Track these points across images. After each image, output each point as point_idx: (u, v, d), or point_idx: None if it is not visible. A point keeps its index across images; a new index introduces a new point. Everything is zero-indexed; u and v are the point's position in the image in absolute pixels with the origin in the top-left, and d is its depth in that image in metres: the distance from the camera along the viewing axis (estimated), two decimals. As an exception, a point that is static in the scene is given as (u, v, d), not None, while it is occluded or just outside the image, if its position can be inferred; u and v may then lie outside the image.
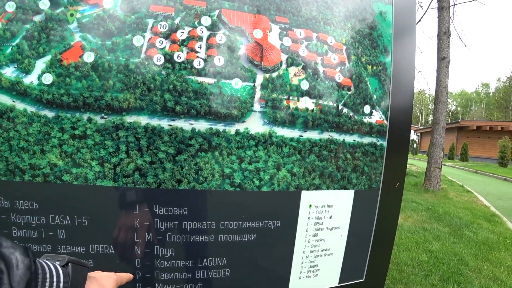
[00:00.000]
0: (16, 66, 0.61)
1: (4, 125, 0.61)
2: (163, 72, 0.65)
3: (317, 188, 0.79)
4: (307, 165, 0.77)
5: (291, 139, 0.74)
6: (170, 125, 0.66)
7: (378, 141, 0.88)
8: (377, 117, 0.88)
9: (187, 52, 0.67)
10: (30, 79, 0.61)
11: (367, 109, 0.85)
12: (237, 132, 0.70)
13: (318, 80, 0.78)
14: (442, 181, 6.69)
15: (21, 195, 0.63)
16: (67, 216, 0.65)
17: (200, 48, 0.68)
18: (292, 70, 0.75)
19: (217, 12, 0.70)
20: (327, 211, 0.82)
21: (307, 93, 0.76)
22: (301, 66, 0.76)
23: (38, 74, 0.62)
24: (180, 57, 0.66)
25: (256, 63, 0.71)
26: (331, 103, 0.79)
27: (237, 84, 0.70)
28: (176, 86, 0.66)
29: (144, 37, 0.65)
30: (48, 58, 0.62)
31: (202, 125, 0.67)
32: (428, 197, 5.48)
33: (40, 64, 0.62)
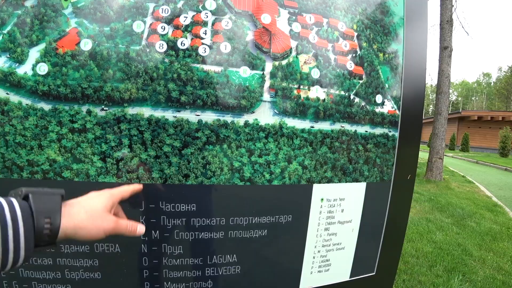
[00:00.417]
0: (8, 56, 0.57)
1: (-2, 120, 0.57)
2: (166, 60, 0.61)
3: (329, 181, 0.76)
4: (318, 157, 0.73)
5: (302, 130, 0.71)
6: (175, 116, 0.62)
7: (390, 131, 0.84)
8: (389, 107, 0.84)
9: (191, 39, 0.62)
10: (24, 70, 0.57)
11: (379, 98, 0.82)
12: (246, 124, 0.66)
13: (329, 68, 0.74)
14: (444, 172, 6.69)
15: (20, 193, 0.60)
16: (69, 214, 0.62)
17: (205, 34, 0.63)
18: (302, 57, 0.70)
19: (222, -5, 0.65)
20: (339, 204, 0.79)
21: (318, 82, 0.72)
22: (311, 54, 0.72)
23: (32, 64, 0.58)
24: (184, 44, 0.62)
25: (265, 50, 0.67)
26: (342, 93, 0.75)
27: (245, 72, 0.66)
28: (181, 75, 0.62)
29: (145, 22, 0.61)
30: (42, 46, 0.58)
31: (209, 117, 0.64)
32: (430, 188, 5.48)
33: (34, 53, 0.58)
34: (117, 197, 0.51)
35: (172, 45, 0.61)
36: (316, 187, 0.74)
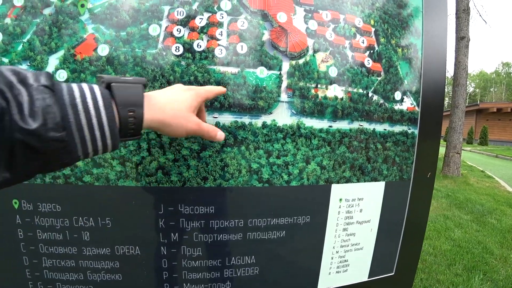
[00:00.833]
0: (29, 64, 0.58)
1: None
2: (183, 63, 0.61)
3: (348, 181, 0.74)
4: (337, 157, 0.72)
5: (320, 130, 0.69)
6: (192, 119, 0.62)
7: (410, 129, 0.82)
8: (408, 103, 0.81)
9: (208, 40, 0.62)
10: (45, 77, 0.58)
11: (398, 95, 0.79)
12: (264, 125, 0.65)
13: (347, 66, 0.72)
14: (462, 167, 6.49)
15: (44, 197, 0.62)
16: (91, 218, 0.63)
17: (221, 35, 0.62)
18: (320, 55, 0.69)
19: (236, -5, 0.64)
20: (358, 204, 0.77)
21: (336, 81, 0.70)
22: (328, 51, 0.70)
23: (52, 71, 0.59)
24: (200, 46, 0.62)
25: (282, 50, 0.66)
26: (360, 90, 0.73)
27: (262, 73, 0.65)
28: (198, 77, 0.61)
29: (160, 25, 0.61)
30: (61, 53, 0.59)
31: (226, 118, 0.63)
32: (447, 184, 5.33)
33: (53, 60, 0.59)
34: (202, 98, 0.50)
35: (188, 48, 0.61)
36: (335, 187, 0.73)
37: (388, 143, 0.79)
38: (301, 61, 0.67)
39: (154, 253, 0.65)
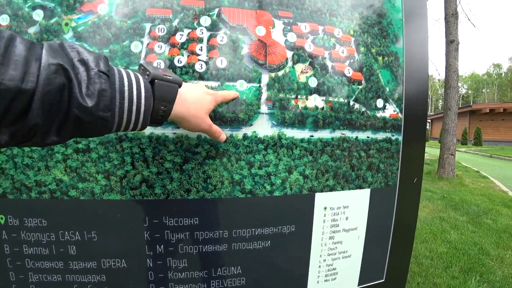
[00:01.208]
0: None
1: (7, 143, 0.60)
2: (164, 78, 0.62)
3: (332, 189, 0.75)
4: (319, 166, 0.73)
5: (302, 140, 0.71)
6: (174, 133, 0.63)
7: (393, 136, 0.83)
8: (391, 110, 0.83)
9: (188, 56, 0.64)
10: (29, 95, 0.59)
11: (380, 103, 0.81)
12: (245, 137, 0.67)
13: (327, 76, 0.74)
14: (457, 168, 6.54)
15: (29, 212, 0.62)
16: (77, 232, 0.63)
17: (201, 50, 0.64)
18: (299, 67, 0.71)
19: (216, 10, 0.66)
20: (343, 212, 0.78)
21: (316, 91, 0.72)
22: (308, 62, 0.72)
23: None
24: (181, 61, 0.63)
25: (261, 62, 0.67)
26: (341, 99, 0.75)
27: (242, 86, 0.66)
28: (179, 92, 0.63)
29: (142, 42, 0.62)
30: (45, 71, 0.60)
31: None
32: (442, 185, 5.35)
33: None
34: (217, 102, 0.60)
35: (169, 63, 0.63)
36: (319, 196, 0.74)
37: (371, 151, 0.80)
38: (280, 73, 0.69)
39: (140, 265, 0.66)
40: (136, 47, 0.62)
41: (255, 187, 0.68)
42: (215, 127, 0.58)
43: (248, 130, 0.67)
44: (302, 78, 0.71)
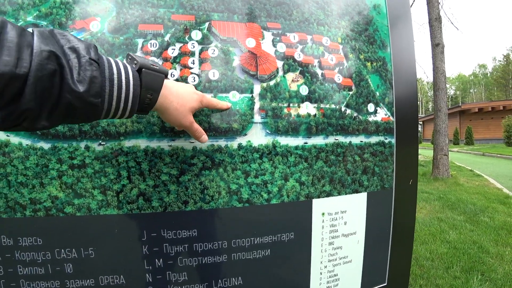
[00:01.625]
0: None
1: (0, 161, 0.59)
2: (158, 92, 0.63)
3: (328, 194, 0.76)
4: (315, 172, 0.74)
5: (296, 147, 0.72)
6: (170, 145, 0.64)
7: (386, 139, 0.85)
8: (382, 114, 0.85)
9: (181, 69, 0.65)
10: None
11: (371, 107, 0.83)
12: (240, 146, 0.67)
13: (318, 84, 0.75)
14: (451, 168, 6.61)
15: (24, 231, 0.61)
16: (73, 249, 0.62)
17: (193, 63, 0.65)
18: (290, 76, 0.72)
19: (206, 24, 0.68)
20: (341, 217, 0.78)
21: (308, 98, 0.74)
22: (298, 71, 0.73)
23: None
24: (174, 75, 0.64)
25: (252, 73, 0.69)
26: (333, 106, 0.77)
27: (234, 96, 0.67)
28: (173, 105, 0.63)
29: (135, 58, 0.63)
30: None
31: (203, 143, 0.65)
32: (438, 186, 5.40)
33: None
34: (203, 104, 0.59)
35: (162, 77, 0.64)
36: (316, 202, 0.74)
37: (366, 155, 0.82)
38: (272, 83, 0.70)
39: (139, 281, 0.65)
40: (129, 62, 0.63)
41: (252, 196, 0.68)
42: (197, 126, 0.57)
43: (242, 140, 0.67)
44: (294, 87, 0.72)
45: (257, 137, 0.68)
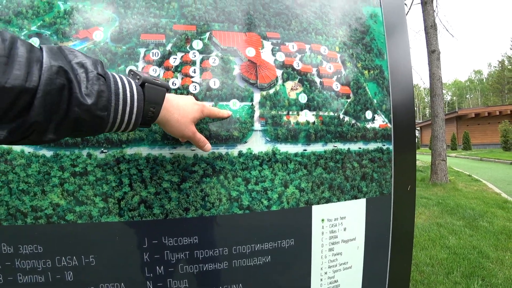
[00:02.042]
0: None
1: (2, 169, 0.60)
2: (160, 101, 0.64)
3: (328, 201, 0.77)
4: (314, 179, 0.75)
5: (295, 155, 0.73)
6: (171, 153, 0.64)
7: (384, 145, 0.86)
8: (380, 121, 0.86)
9: (182, 78, 0.66)
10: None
11: (368, 114, 0.84)
12: (240, 154, 0.68)
13: (316, 92, 0.77)
14: (449, 173, 6.63)
15: (25, 239, 0.61)
16: (74, 257, 0.62)
17: (195, 72, 0.67)
18: (289, 84, 0.74)
19: (207, 34, 0.69)
20: (341, 223, 0.79)
21: (307, 106, 0.75)
22: (297, 80, 0.75)
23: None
24: (175, 84, 0.66)
25: (252, 82, 0.70)
26: (332, 113, 0.78)
27: (235, 105, 0.69)
28: (174, 113, 0.64)
29: (137, 67, 0.65)
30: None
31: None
32: (437, 191, 5.40)
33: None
34: (205, 114, 0.61)
35: (164, 86, 0.65)
36: (316, 208, 0.75)
37: (364, 161, 0.83)
38: (271, 91, 0.72)
39: (139, 289, 0.65)
40: (131, 71, 0.64)
41: (253, 203, 0.69)
42: (200, 136, 0.58)
43: (243, 147, 0.68)
44: (293, 95, 0.74)
45: (257, 144, 0.69)
